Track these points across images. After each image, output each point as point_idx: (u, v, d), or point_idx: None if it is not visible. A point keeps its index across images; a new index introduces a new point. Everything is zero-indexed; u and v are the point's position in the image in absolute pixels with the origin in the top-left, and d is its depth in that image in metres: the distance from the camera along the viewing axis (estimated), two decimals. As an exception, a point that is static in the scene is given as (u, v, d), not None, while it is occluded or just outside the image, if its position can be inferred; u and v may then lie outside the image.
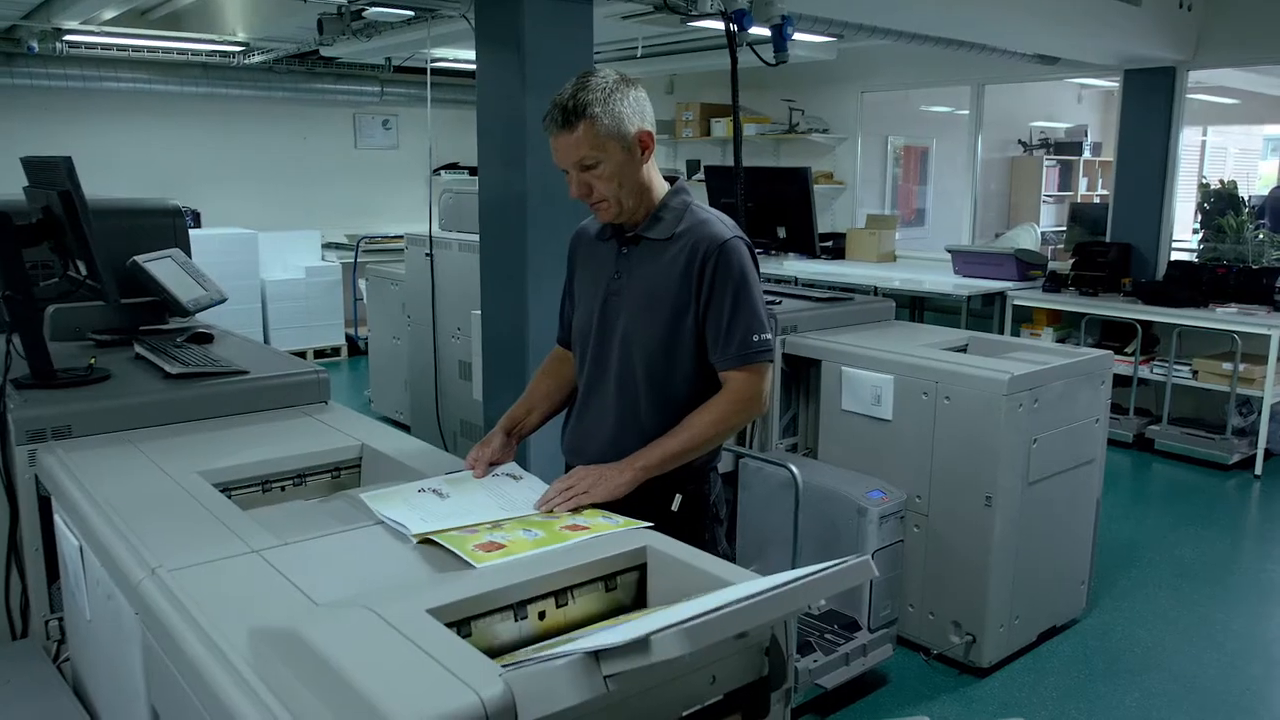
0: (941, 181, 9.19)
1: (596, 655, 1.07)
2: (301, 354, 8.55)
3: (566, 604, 1.48)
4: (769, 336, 1.98)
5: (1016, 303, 6.39)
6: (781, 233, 4.04)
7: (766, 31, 3.93)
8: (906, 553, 3.47)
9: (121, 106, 8.29)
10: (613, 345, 2.04)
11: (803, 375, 3.98)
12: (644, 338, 1.99)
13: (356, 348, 8.83)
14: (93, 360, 2.65)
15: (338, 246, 9.11)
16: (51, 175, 2.37)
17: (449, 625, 1.35)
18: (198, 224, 8.23)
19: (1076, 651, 3.59)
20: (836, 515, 3.40)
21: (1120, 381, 5.31)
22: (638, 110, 1.93)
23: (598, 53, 8.41)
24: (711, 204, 4.16)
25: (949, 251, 6.98)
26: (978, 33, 5.91)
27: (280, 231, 8.66)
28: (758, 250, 4.13)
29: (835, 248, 7.96)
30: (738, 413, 1.96)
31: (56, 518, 2.12)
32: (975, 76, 7.34)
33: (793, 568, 2.96)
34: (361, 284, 7.13)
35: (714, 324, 1.96)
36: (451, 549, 1.59)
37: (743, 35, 3.66)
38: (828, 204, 8.43)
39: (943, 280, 6.73)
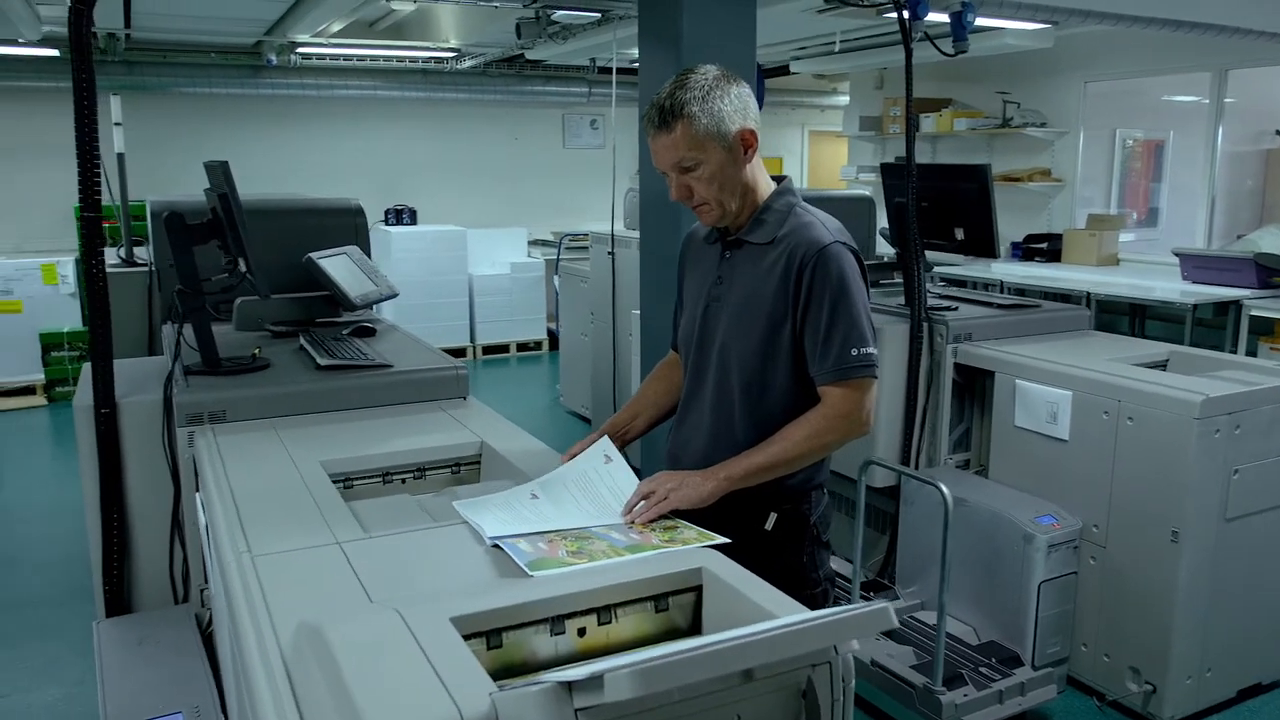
0: (1179, 177, 8.35)
1: (569, 687, 1.02)
2: (505, 347, 8.93)
3: (610, 622, 1.43)
4: (872, 350, 1.83)
5: (1254, 313, 5.69)
6: (960, 234, 3.78)
7: (945, 18, 3.68)
8: (1080, 587, 3.17)
9: (349, 112, 8.93)
10: (711, 354, 1.96)
11: (977, 387, 3.72)
12: (740, 347, 1.90)
13: (557, 342, 9.09)
14: (257, 350, 2.85)
15: (543, 243, 9.42)
16: (216, 178, 2.55)
17: (476, 635, 1.33)
18: (414, 221, 8.73)
19: (1286, 714, 3.16)
20: (1001, 540, 3.15)
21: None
22: (739, 108, 1.84)
23: (801, 48, 8.27)
24: (886, 203, 3.97)
25: (1176, 255, 6.33)
26: (1217, 13, 5.31)
27: (490, 229, 9.05)
28: (934, 250, 3.93)
29: (1050, 250, 7.41)
30: (833, 430, 1.83)
31: (197, 496, 2.28)
32: (1216, 61, 6.62)
33: (940, 594, 2.79)
34: (556, 281, 7.33)
35: (811, 335, 1.84)
36: (512, 556, 1.57)
37: (918, 23, 3.44)
38: (1044, 203, 7.87)
39: (1170, 287, 6.11)
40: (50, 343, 6.98)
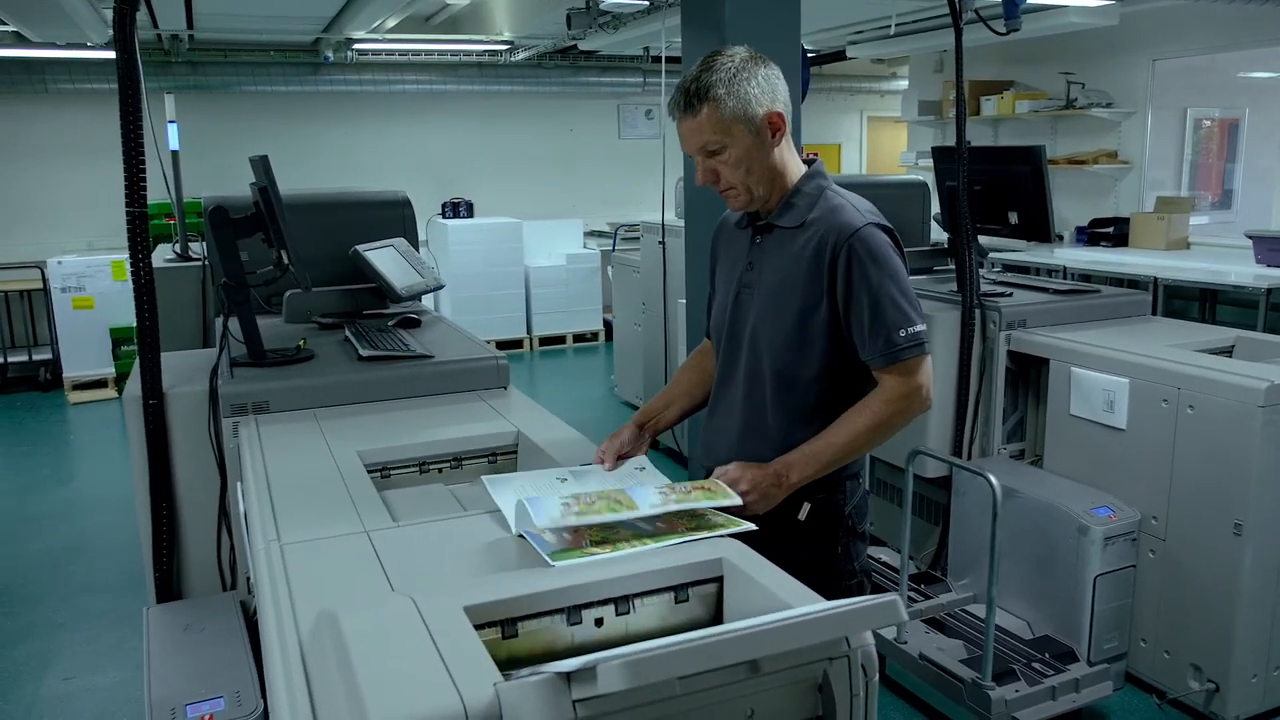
0: (1255, 157, 8.04)
1: (568, 678, 1.00)
2: (561, 338, 8.97)
3: (628, 612, 1.41)
4: (919, 327, 1.79)
5: (1333, 297, 5.46)
6: (1014, 218, 3.68)
7: (997, -2, 3.58)
8: (1139, 580, 3.07)
9: (406, 107, 9.03)
10: (743, 341, 1.93)
11: (1032, 375, 3.62)
12: (772, 333, 1.87)
13: (613, 333, 9.11)
14: (302, 342, 2.88)
15: (599, 234, 9.42)
16: (257, 172, 2.59)
17: (490, 625, 1.32)
18: (470, 214, 8.79)
19: (1360, 715, 3.02)
20: (1055, 532, 3.07)
21: None
22: (767, 90, 1.80)
23: (858, 32, 8.13)
24: (938, 187, 3.88)
25: (1249, 237, 6.09)
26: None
27: (546, 220, 9.09)
28: (987, 235, 3.83)
29: (1117, 234, 7.18)
30: (897, 413, 1.79)
31: (237, 485, 2.32)
32: (1294, 35, 6.34)
33: (990, 587, 2.72)
34: (609, 271, 7.33)
35: (857, 323, 1.80)
36: (535, 546, 1.57)
37: (968, 2, 3.35)
38: (1110, 186, 7.63)
39: (1243, 271, 5.87)
40: (120, 337, 7.19)
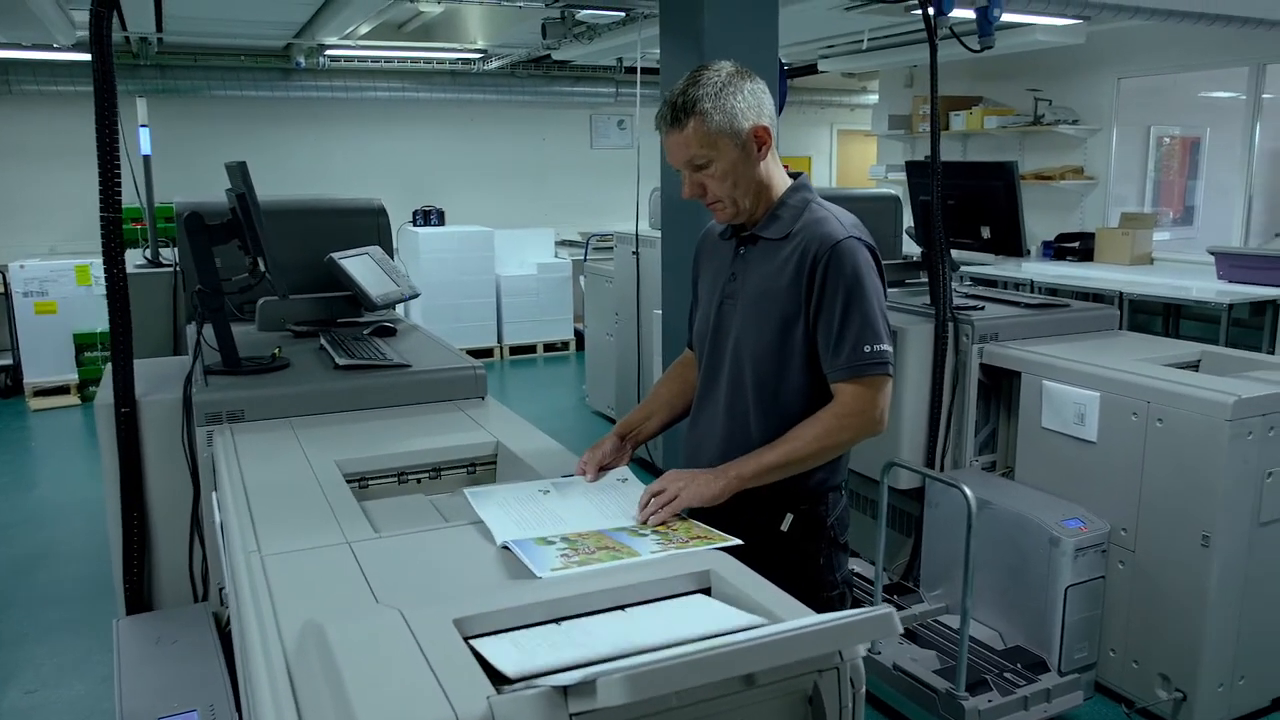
0: (1216, 175, 8.20)
1: (564, 691, 1.00)
2: (531, 348, 8.94)
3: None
4: (886, 348, 1.80)
5: (1292, 312, 5.59)
6: (986, 232, 3.73)
7: (971, 14, 3.63)
8: (1109, 591, 3.11)
9: (378, 114, 8.99)
10: (725, 351, 1.94)
11: (1003, 388, 3.66)
12: (755, 344, 1.88)
13: (584, 343, 9.10)
14: (277, 350, 2.86)
15: (570, 244, 9.42)
16: (234, 178, 2.56)
17: (479, 636, 1.32)
18: (441, 222, 8.76)
19: (1322, 723, 3.08)
20: (1027, 543, 3.10)
21: None
22: (753, 104, 1.81)
23: (829, 46, 8.21)
24: (911, 201, 3.93)
25: (1212, 253, 6.21)
26: (1254, 6, 5.21)
27: (517, 229, 9.07)
28: (960, 249, 3.88)
29: (1083, 249, 7.31)
30: (845, 429, 1.80)
31: (214, 494, 2.29)
32: (1254, 56, 6.49)
33: (963, 598, 2.74)
34: (581, 281, 7.33)
35: (824, 332, 1.81)
36: (522, 557, 1.56)
37: (943, 19, 3.40)
38: (1076, 202, 7.75)
39: (1205, 286, 5.99)
40: (83, 343, 7.08)
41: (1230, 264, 6.06)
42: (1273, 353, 5.43)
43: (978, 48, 3.59)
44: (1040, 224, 7.74)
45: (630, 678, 0.90)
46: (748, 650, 0.97)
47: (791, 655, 1.01)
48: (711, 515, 1.77)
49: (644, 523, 1.73)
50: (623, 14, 5.43)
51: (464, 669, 1.17)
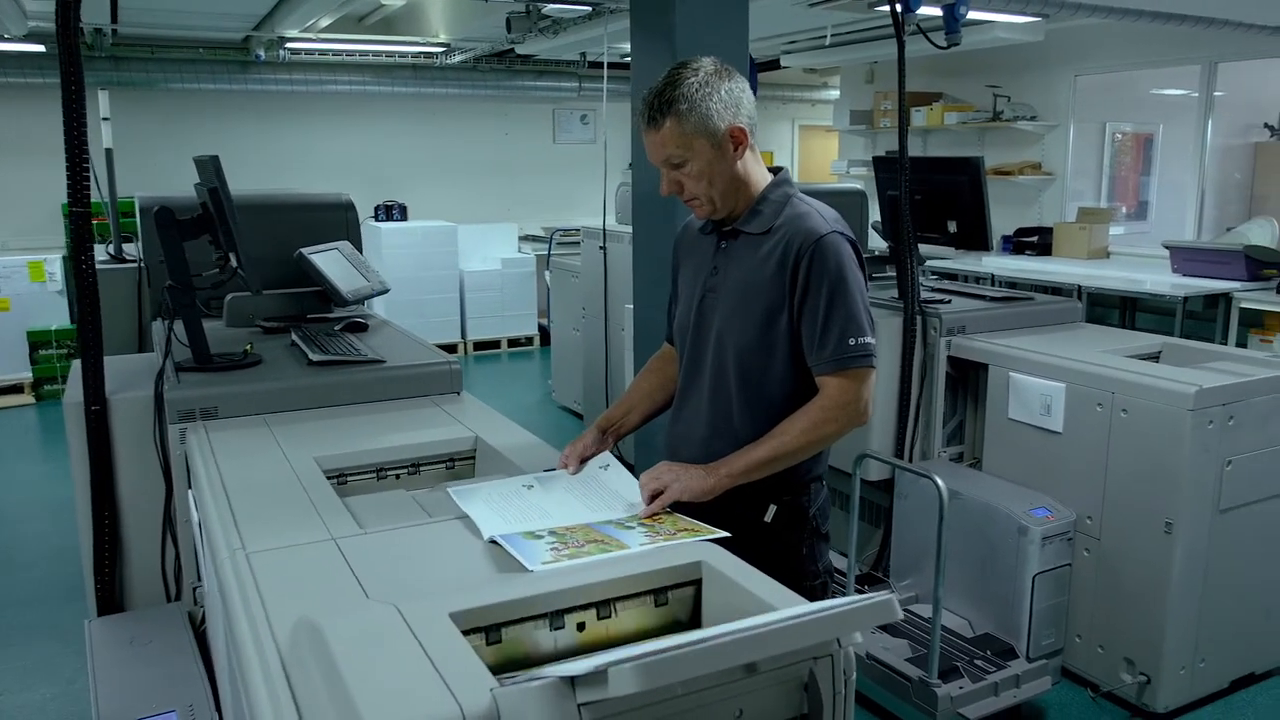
0: (1169, 171, 8.37)
1: (573, 682, 1.01)
2: (495, 343, 8.91)
3: (609, 616, 1.42)
4: (870, 340, 1.83)
5: (1244, 305, 5.72)
6: (952, 227, 3.78)
7: (937, 11, 3.68)
8: (1075, 578, 3.17)
9: (338, 108, 8.89)
10: (708, 345, 1.95)
11: (970, 380, 3.72)
12: (737, 338, 1.89)
13: (549, 338, 9.08)
14: (249, 346, 2.82)
15: (534, 239, 9.39)
16: (206, 173, 2.53)
17: (475, 630, 1.32)
18: (404, 217, 8.69)
19: (1279, 704, 3.17)
20: (995, 533, 3.15)
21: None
22: (730, 104, 1.82)
23: (791, 42, 8.25)
24: (879, 196, 3.97)
25: (1166, 248, 6.34)
26: (1206, 6, 5.33)
27: (480, 224, 9.02)
28: (927, 244, 3.93)
29: (1041, 243, 7.41)
30: (832, 421, 1.82)
31: (190, 493, 2.26)
32: (1206, 54, 6.63)
33: (935, 587, 2.79)
34: (547, 275, 7.32)
35: (809, 325, 1.83)
36: (512, 552, 1.56)
37: (910, 16, 3.44)
38: (1034, 197, 7.88)
39: (1160, 279, 6.12)
40: (38, 341, 6.93)
41: (1184, 258, 6.20)
42: (1226, 344, 5.56)
43: (944, 45, 3.64)
44: (999, 218, 7.80)
45: (642, 666, 0.91)
46: (757, 637, 0.98)
47: (799, 642, 1.03)
48: (695, 506, 1.79)
49: (649, 519, 1.73)
50: (589, 9, 5.42)
51: (465, 662, 1.17)
